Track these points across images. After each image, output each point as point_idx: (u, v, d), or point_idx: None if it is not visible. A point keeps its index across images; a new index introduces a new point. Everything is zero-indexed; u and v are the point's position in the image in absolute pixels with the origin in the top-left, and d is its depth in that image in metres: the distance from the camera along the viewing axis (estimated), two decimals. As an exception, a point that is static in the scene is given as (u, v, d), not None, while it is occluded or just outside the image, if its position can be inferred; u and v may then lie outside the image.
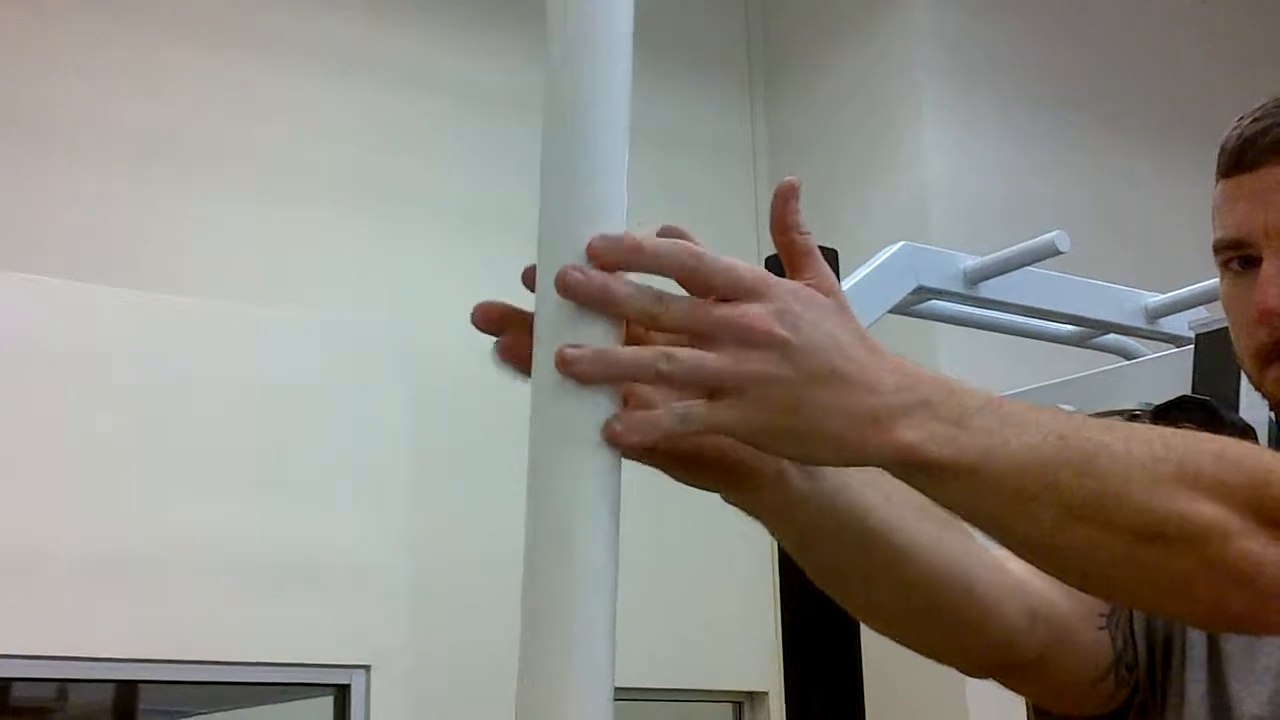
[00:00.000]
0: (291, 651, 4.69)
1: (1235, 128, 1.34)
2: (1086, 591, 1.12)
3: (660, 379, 0.92)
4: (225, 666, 4.64)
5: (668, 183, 5.46)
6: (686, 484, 1.02)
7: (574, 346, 0.92)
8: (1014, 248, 3.34)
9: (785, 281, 0.95)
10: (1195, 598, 1.02)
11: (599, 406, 0.93)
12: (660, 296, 0.93)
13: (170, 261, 4.99)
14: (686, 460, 0.99)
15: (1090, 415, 1.07)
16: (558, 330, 0.93)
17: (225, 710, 5.34)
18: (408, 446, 5.03)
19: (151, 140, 5.06)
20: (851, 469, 1.07)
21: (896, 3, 5.89)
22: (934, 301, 3.41)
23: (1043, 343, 3.80)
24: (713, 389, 0.92)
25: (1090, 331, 3.71)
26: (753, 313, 0.92)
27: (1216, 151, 1.35)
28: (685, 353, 0.92)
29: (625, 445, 0.92)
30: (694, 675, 5.45)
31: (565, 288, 0.92)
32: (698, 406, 0.92)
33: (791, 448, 0.94)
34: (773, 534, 1.10)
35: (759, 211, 6.03)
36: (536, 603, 0.95)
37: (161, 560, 4.49)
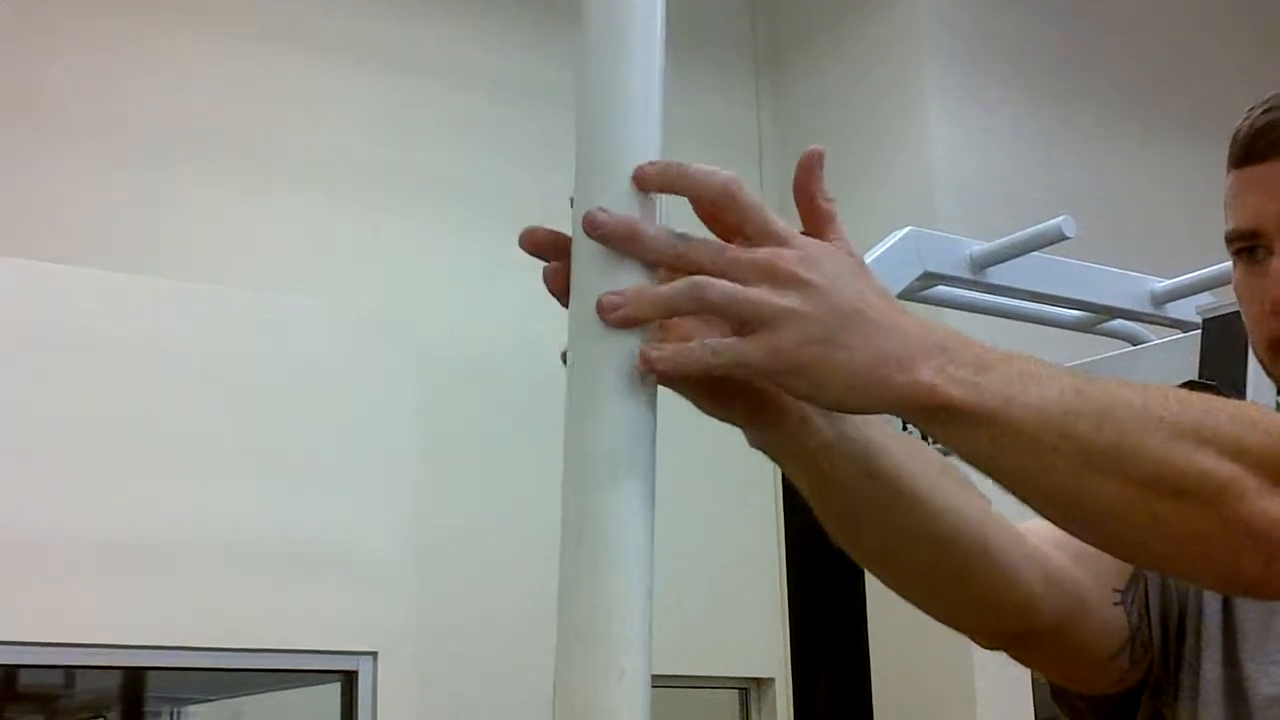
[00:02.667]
0: (299, 638, 4.70)
1: (1246, 118, 1.33)
2: (1102, 548, 1.12)
3: (701, 306, 0.94)
4: (233, 653, 4.65)
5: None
6: (713, 415, 1.02)
7: (614, 294, 0.93)
8: (1020, 233, 3.34)
9: (807, 237, 0.97)
10: (1211, 556, 1.02)
11: (635, 341, 0.94)
12: (686, 237, 0.95)
13: (177, 249, 4.99)
14: (716, 389, 1.00)
15: None
16: (591, 269, 0.95)
17: (233, 697, 5.36)
18: (414, 433, 5.03)
19: (159, 129, 5.05)
20: (874, 423, 1.08)
21: (902, -11, 5.88)
22: (940, 287, 3.41)
23: (1049, 328, 3.79)
24: (744, 324, 0.93)
25: (1097, 317, 3.71)
26: (781, 254, 0.94)
27: (1225, 138, 1.35)
28: (720, 282, 0.93)
29: (659, 374, 0.93)
30: (701, 662, 5.45)
31: (593, 226, 0.94)
32: (729, 341, 0.93)
33: (815, 387, 0.95)
34: (792, 477, 1.10)
35: (765, 197, 6.03)
36: (574, 568, 0.94)
37: (168, 547, 4.50)
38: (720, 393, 0.99)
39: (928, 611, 1.21)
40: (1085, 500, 1.00)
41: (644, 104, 0.98)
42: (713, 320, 0.98)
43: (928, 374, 0.95)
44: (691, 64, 6.06)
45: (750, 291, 0.93)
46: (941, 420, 0.96)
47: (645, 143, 0.97)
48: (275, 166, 5.23)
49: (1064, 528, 1.07)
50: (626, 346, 0.94)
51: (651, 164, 0.96)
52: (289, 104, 5.31)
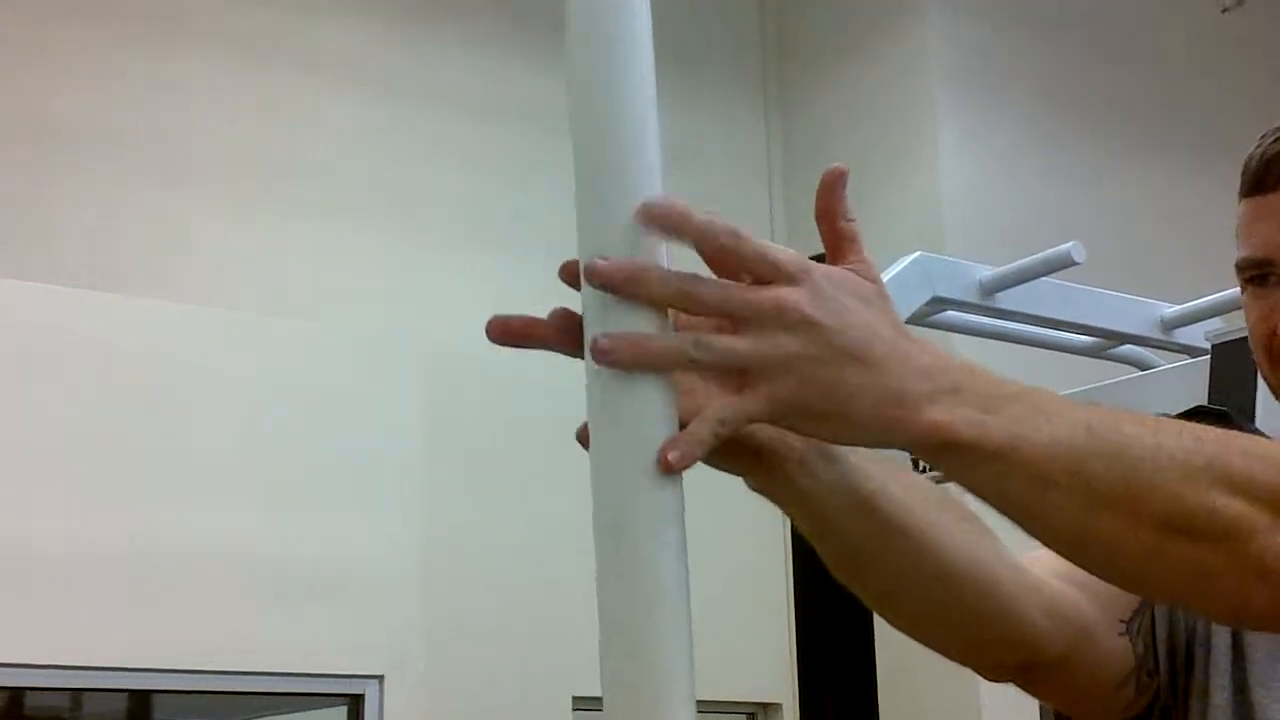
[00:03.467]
0: (305, 661, 4.69)
1: (1258, 146, 1.33)
2: (1111, 583, 1.12)
3: (692, 365, 0.93)
4: (239, 676, 4.65)
5: (683, 195, 5.46)
6: (717, 468, 1.02)
7: (606, 336, 0.92)
8: (1029, 259, 3.34)
9: (821, 265, 0.96)
10: (1220, 593, 1.02)
11: (653, 409, 0.93)
12: (693, 278, 0.93)
13: (180, 269, 5.00)
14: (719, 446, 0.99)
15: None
16: (600, 321, 0.93)
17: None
18: (420, 455, 5.03)
19: (160, 149, 5.07)
20: (874, 461, 1.08)
21: (912, 15, 5.89)
22: (950, 312, 3.40)
23: (1058, 353, 3.79)
24: (744, 375, 0.93)
25: (1106, 342, 3.71)
26: (786, 294, 0.92)
27: (1234, 164, 1.35)
28: (715, 338, 0.92)
29: (679, 468, 0.92)
30: (707, 686, 5.39)
31: (594, 274, 0.92)
32: (730, 405, 0.93)
33: (822, 429, 0.95)
34: (795, 521, 1.10)
35: (774, 222, 6.03)
36: (614, 615, 0.94)
37: (175, 570, 4.50)
38: (720, 448, 0.97)
39: (933, 648, 1.21)
40: (1093, 537, 1.00)
41: (641, 138, 0.96)
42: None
43: (936, 413, 0.94)
44: (702, 88, 6.08)
45: (746, 347, 0.92)
46: (950, 458, 0.96)
47: (647, 177, 0.95)
48: (280, 189, 5.24)
49: (1072, 561, 1.07)
50: (644, 407, 0.93)
51: (657, 201, 0.94)
52: (292, 126, 5.32)
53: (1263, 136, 1.33)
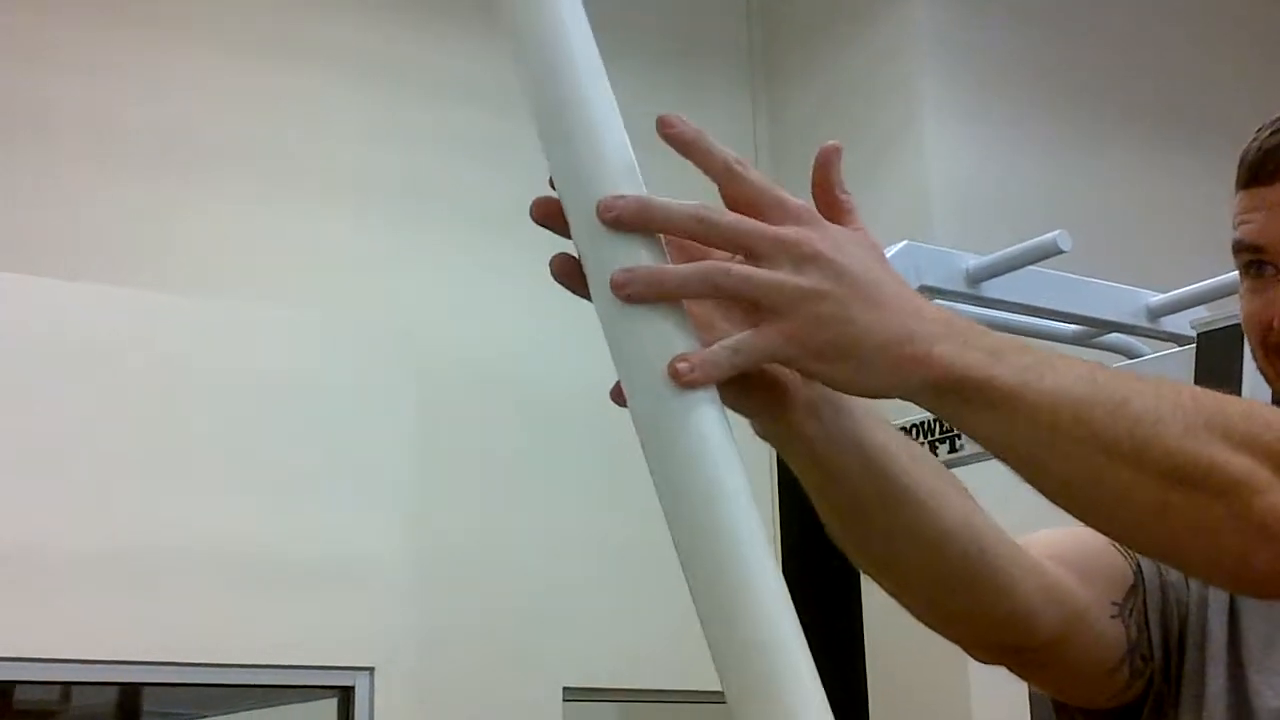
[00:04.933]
0: (295, 653, 4.69)
1: (1255, 139, 1.34)
2: (1113, 535, 1.12)
3: (715, 292, 0.94)
4: (229, 669, 4.64)
5: (666, 183, 5.45)
6: (729, 406, 1.01)
7: (625, 270, 0.93)
8: (1016, 247, 3.35)
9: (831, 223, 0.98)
10: (1222, 549, 1.03)
11: (667, 333, 0.93)
12: (704, 207, 0.95)
13: (175, 262, 4.99)
14: (730, 380, 0.99)
15: None
16: (598, 259, 0.94)
17: (229, 713, 5.35)
18: (411, 447, 5.03)
19: (154, 140, 5.06)
20: (881, 422, 1.09)
21: (898, 3, 5.89)
22: (937, 301, 3.39)
23: (1046, 341, 3.80)
24: (756, 313, 0.94)
25: (1093, 331, 3.72)
26: (799, 231, 0.94)
27: (1223, 151, 1.36)
28: (735, 265, 0.93)
29: (691, 385, 0.93)
30: (697, 676, 5.44)
31: (606, 210, 0.93)
32: (746, 336, 0.94)
33: (831, 370, 0.95)
34: (797, 470, 1.10)
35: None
36: (704, 576, 0.94)
37: (165, 562, 4.49)
38: (733, 383, 0.98)
39: (924, 619, 1.21)
40: (1097, 486, 1.00)
41: (601, 108, 0.97)
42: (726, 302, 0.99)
43: (944, 354, 0.95)
44: (687, 76, 6.07)
45: (764, 275, 0.93)
46: (957, 400, 0.97)
47: (617, 146, 0.96)
48: (274, 178, 5.24)
49: (1074, 513, 1.07)
50: (660, 338, 0.93)
51: (682, 120, 0.96)
52: (287, 116, 5.31)
53: (1259, 129, 1.34)
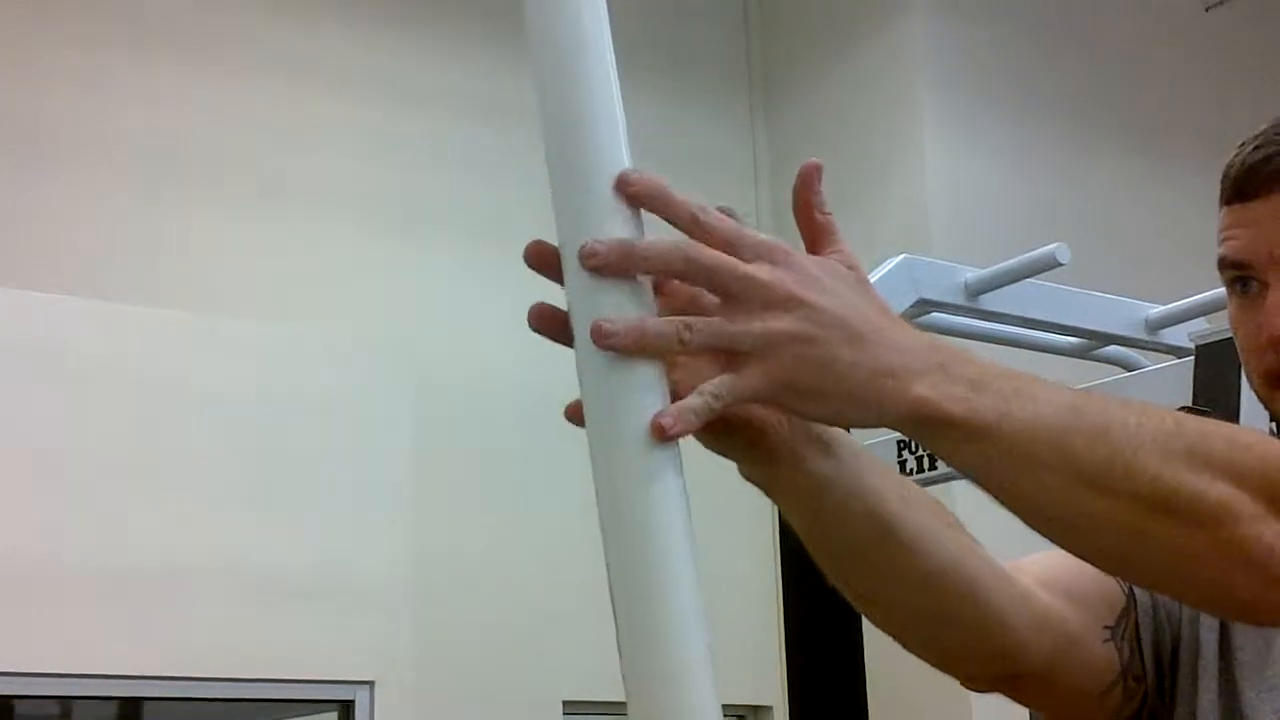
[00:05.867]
0: (296, 667, 4.69)
1: (1238, 154, 1.34)
2: (1096, 565, 1.12)
3: (684, 349, 0.94)
4: (229, 683, 4.64)
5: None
6: (710, 449, 1.03)
7: (609, 320, 0.93)
8: (1014, 260, 3.35)
9: (805, 254, 0.98)
10: (1203, 578, 1.03)
11: (645, 383, 0.94)
12: (689, 244, 0.95)
13: (173, 278, 4.99)
14: (716, 427, 1.00)
15: None
16: (587, 302, 0.95)
17: (229, 726, 5.34)
18: (411, 461, 5.03)
19: (155, 157, 5.07)
20: (867, 461, 1.09)
21: (896, 16, 5.90)
22: (935, 314, 3.41)
23: (1044, 354, 3.79)
24: (734, 354, 0.94)
25: (1091, 343, 3.71)
26: (773, 271, 0.94)
27: (1220, 163, 1.36)
28: (704, 320, 0.94)
29: (673, 438, 0.93)
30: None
31: (588, 255, 0.94)
32: (724, 381, 0.94)
33: (813, 406, 0.96)
34: (784, 513, 1.10)
35: (760, 223, 6.04)
36: (630, 616, 0.94)
37: (165, 577, 4.49)
38: (716, 427, 0.99)
39: (918, 654, 1.21)
40: (1078, 515, 1.00)
41: (607, 123, 0.98)
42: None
43: (923, 389, 0.95)
44: (687, 90, 6.08)
45: (734, 326, 0.93)
46: (937, 434, 0.97)
47: (615, 161, 0.97)
48: (271, 195, 5.24)
49: (1056, 542, 1.07)
50: (639, 387, 0.94)
51: (638, 173, 0.96)
52: (284, 133, 5.32)
53: (1241, 145, 1.34)
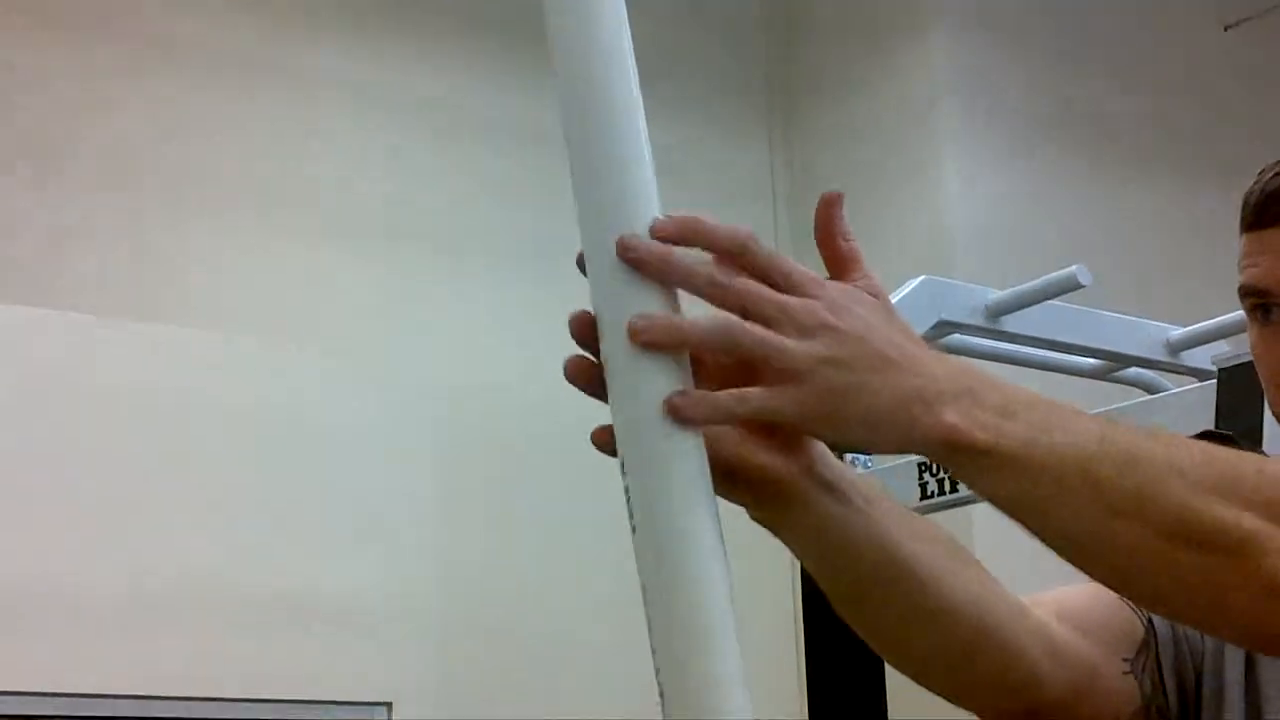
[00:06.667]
0: (313, 689, 4.69)
1: (1258, 181, 1.34)
2: (1125, 594, 1.12)
3: (732, 347, 0.95)
4: (247, 704, 4.64)
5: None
6: (722, 496, 1.02)
7: (644, 316, 0.94)
8: (1036, 282, 3.34)
9: (834, 282, 0.99)
10: (1232, 609, 1.02)
11: (671, 377, 0.95)
12: (722, 269, 0.96)
13: (194, 299, 5.00)
14: (725, 472, 1.00)
15: None
16: (611, 304, 0.95)
17: (247, 747, 5.34)
18: (430, 484, 5.03)
19: (179, 179, 5.08)
20: (877, 497, 1.09)
21: (915, 39, 5.90)
22: (956, 335, 3.40)
23: (1066, 376, 3.79)
24: (772, 371, 0.94)
25: (1113, 365, 3.70)
26: (805, 302, 0.95)
27: (1241, 185, 1.35)
28: (756, 327, 0.94)
29: (686, 420, 0.94)
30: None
31: (626, 250, 0.94)
32: (755, 391, 0.94)
33: (840, 432, 0.96)
34: (799, 556, 1.11)
35: (778, 247, 6.02)
36: (662, 620, 0.95)
37: (182, 598, 4.50)
38: (723, 470, 0.99)
39: (935, 691, 1.21)
40: (1106, 545, 1.00)
41: (635, 153, 0.98)
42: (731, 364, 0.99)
43: (952, 416, 0.95)
44: (706, 112, 6.08)
45: (779, 338, 0.93)
46: (964, 461, 0.97)
47: (645, 195, 0.97)
48: (293, 217, 5.25)
49: (1085, 571, 1.07)
50: (660, 372, 0.94)
51: (669, 217, 0.97)
52: (309, 156, 5.33)
53: (1262, 172, 1.33)
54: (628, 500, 0.96)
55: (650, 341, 0.93)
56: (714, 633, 0.93)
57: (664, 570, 0.94)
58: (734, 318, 0.94)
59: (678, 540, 0.94)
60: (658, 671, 0.94)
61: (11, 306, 4.54)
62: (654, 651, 0.94)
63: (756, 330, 0.94)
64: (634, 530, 0.95)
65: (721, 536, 0.95)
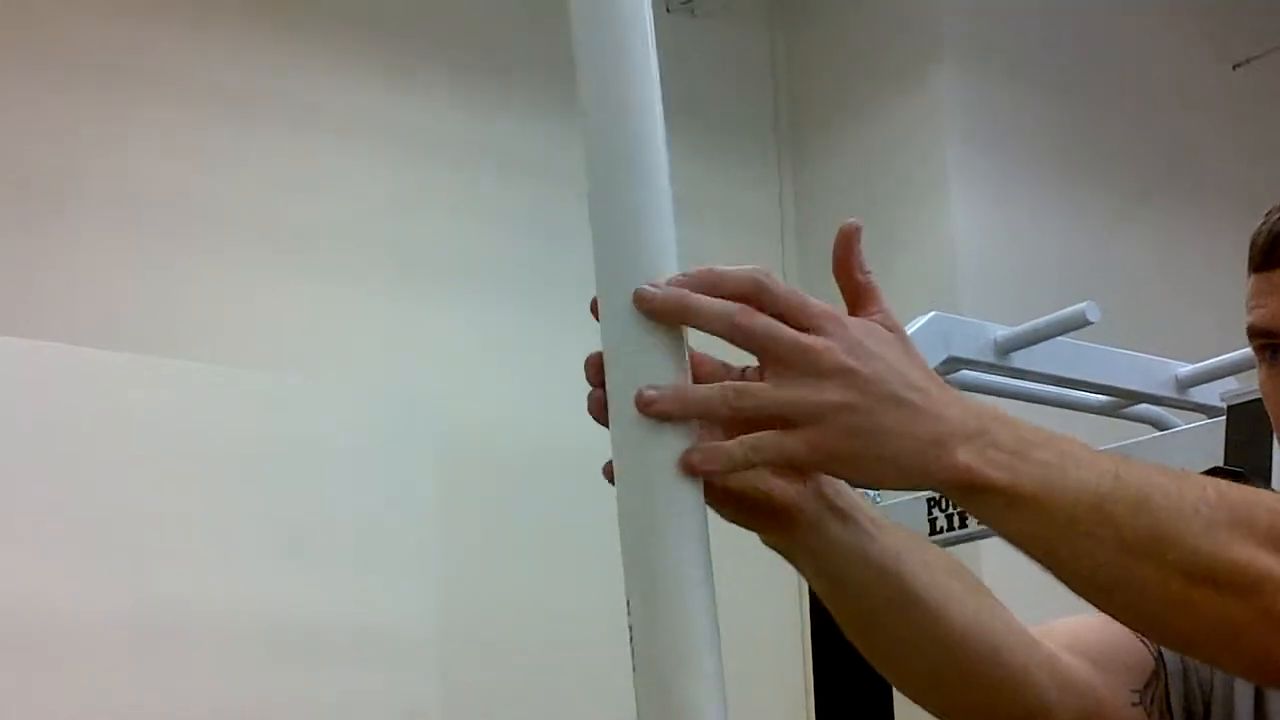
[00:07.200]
0: (321, 715, 4.67)
1: (1265, 221, 1.34)
2: (1139, 631, 1.12)
3: (733, 412, 0.95)
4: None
5: (695, 254, 5.45)
6: (732, 522, 1.04)
7: (652, 387, 0.94)
8: (1045, 318, 3.34)
9: (851, 317, 0.99)
10: (1245, 647, 1.02)
11: (678, 442, 0.95)
12: (742, 310, 0.96)
13: (197, 329, 5.01)
14: (735, 500, 1.02)
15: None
16: (621, 356, 0.96)
17: (252, 780, 5.32)
18: (436, 511, 5.03)
19: (179, 208, 5.08)
20: (888, 525, 1.10)
21: (924, 75, 5.91)
22: (965, 371, 3.41)
23: (1074, 413, 3.79)
24: (782, 421, 0.94)
25: (1122, 402, 3.71)
26: (823, 341, 0.95)
27: (1250, 223, 1.36)
28: (755, 386, 0.95)
29: (701, 475, 0.95)
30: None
31: (643, 300, 0.95)
32: (769, 437, 0.95)
33: (857, 472, 0.97)
34: (808, 580, 1.12)
35: (786, 279, 6.01)
36: (647, 661, 0.97)
37: (188, 630, 4.48)
38: (734, 498, 1.00)
39: (942, 718, 1.21)
40: (1120, 582, 1.00)
41: (657, 206, 0.99)
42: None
43: (967, 456, 0.96)
44: (713, 147, 6.10)
45: (785, 394, 0.94)
46: (980, 501, 0.98)
47: (664, 245, 0.98)
48: (294, 246, 5.26)
49: (1100, 608, 1.07)
50: (670, 446, 0.95)
51: (684, 274, 0.98)
52: (309, 186, 5.34)
53: (1269, 213, 1.34)
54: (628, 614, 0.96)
55: (658, 412, 0.94)
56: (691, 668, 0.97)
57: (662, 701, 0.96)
58: (733, 385, 0.96)
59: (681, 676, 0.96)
60: None
61: (23, 339, 4.54)
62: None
63: (756, 391, 0.94)
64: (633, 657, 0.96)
65: (717, 624, 0.97)
